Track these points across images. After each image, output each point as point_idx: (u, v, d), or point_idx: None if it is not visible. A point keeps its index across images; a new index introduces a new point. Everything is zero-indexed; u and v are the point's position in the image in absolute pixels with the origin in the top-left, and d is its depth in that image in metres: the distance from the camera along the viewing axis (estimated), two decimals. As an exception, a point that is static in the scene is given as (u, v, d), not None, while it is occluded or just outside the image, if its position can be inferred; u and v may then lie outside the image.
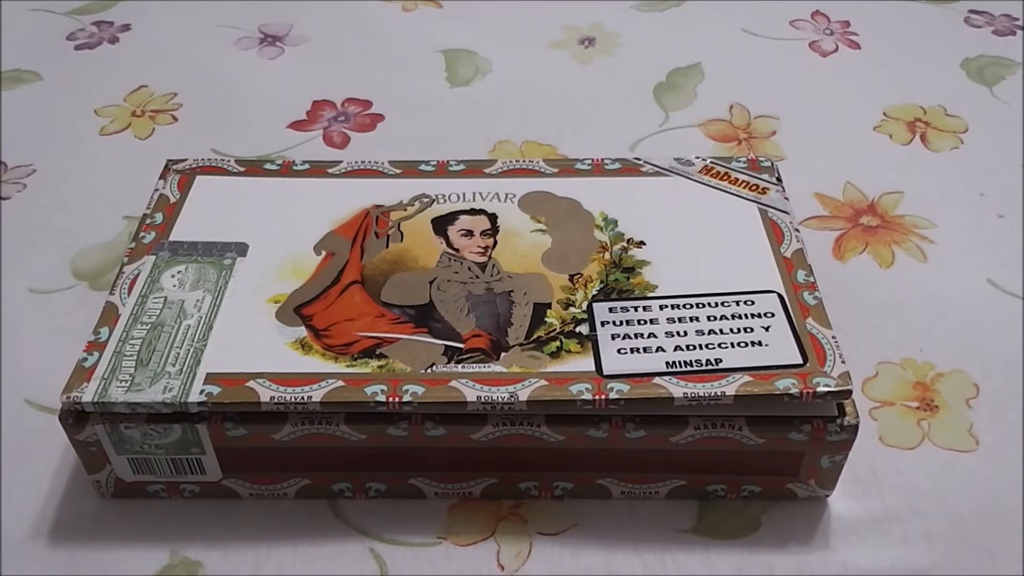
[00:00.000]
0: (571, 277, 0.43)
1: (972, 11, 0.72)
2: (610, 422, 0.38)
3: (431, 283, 0.43)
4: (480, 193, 0.47)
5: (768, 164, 0.49)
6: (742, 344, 0.39)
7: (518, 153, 0.59)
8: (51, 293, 0.51)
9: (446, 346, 0.40)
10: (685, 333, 0.40)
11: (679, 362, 0.39)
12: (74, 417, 0.39)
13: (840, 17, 0.72)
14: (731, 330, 0.40)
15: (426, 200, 0.47)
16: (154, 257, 0.44)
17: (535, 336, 0.40)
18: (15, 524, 0.41)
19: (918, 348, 0.48)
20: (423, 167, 0.49)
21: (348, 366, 0.39)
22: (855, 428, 0.38)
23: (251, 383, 0.38)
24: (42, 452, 0.43)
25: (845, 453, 0.39)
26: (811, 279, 0.42)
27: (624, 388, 0.38)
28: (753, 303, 0.41)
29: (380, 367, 0.39)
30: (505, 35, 0.70)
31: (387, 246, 0.45)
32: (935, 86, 0.65)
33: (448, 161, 0.49)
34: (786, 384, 0.38)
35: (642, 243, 0.45)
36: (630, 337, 0.40)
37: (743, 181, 0.48)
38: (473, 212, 0.46)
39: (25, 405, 0.45)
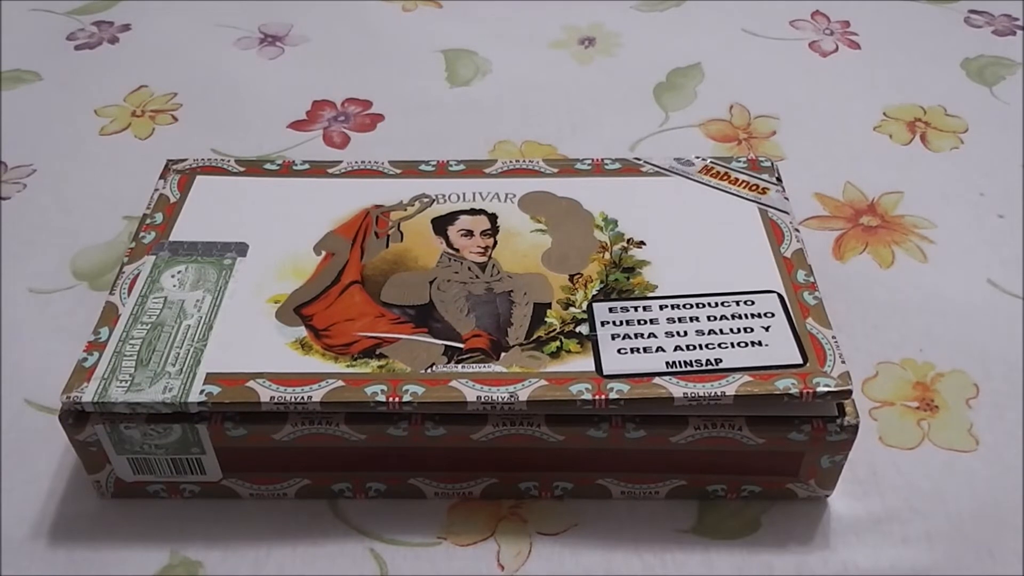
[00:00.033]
0: (571, 277, 0.43)
1: (972, 11, 0.72)
2: (610, 422, 0.38)
3: (431, 283, 0.43)
4: (480, 193, 0.47)
5: (768, 164, 0.49)
6: (742, 344, 0.39)
7: (518, 153, 0.59)
8: (51, 293, 0.51)
9: (446, 346, 0.40)
10: (685, 333, 0.40)
11: (679, 362, 0.39)
12: (74, 417, 0.39)
13: (840, 17, 0.72)
14: (731, 330, 0.40)
15: (426, 200, 0.47)
16: (154, 257, 0.44)
17: (535, 336, 0.40)
18: (15, 524, 0.41)
19: (918, 348, 0.48)
20: (423, 167, 0.49)
21: (348, 366, 0.39)
22: (855, 428, 0.38)
23: (251, 383, 0.38)
24: (42, 452, 0.43)
25: (845, 453, 0.39)
26: (811, 279, 0.42)
27: (624, 388, 0.38)
28: (753, 303, 0.41)
29: (380, 367, 0.39)
30: (505, 35, 0.70)
31: (387, 246, 0.45)
32: (935, 86, 0.65)
33: (448, 161, 0.49)
34: (786, 384, 0.38)
35: (642, 243, 0.45)
36: (630, 337, 0.40)
37: (743, 181, 0.48)
38: (473, 212, 0.46)
39: (25, 405, 0.45)
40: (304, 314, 0.41)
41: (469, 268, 0.43)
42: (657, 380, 0.38)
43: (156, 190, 0.48)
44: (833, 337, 0.40)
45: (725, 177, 0.48)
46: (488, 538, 0.40)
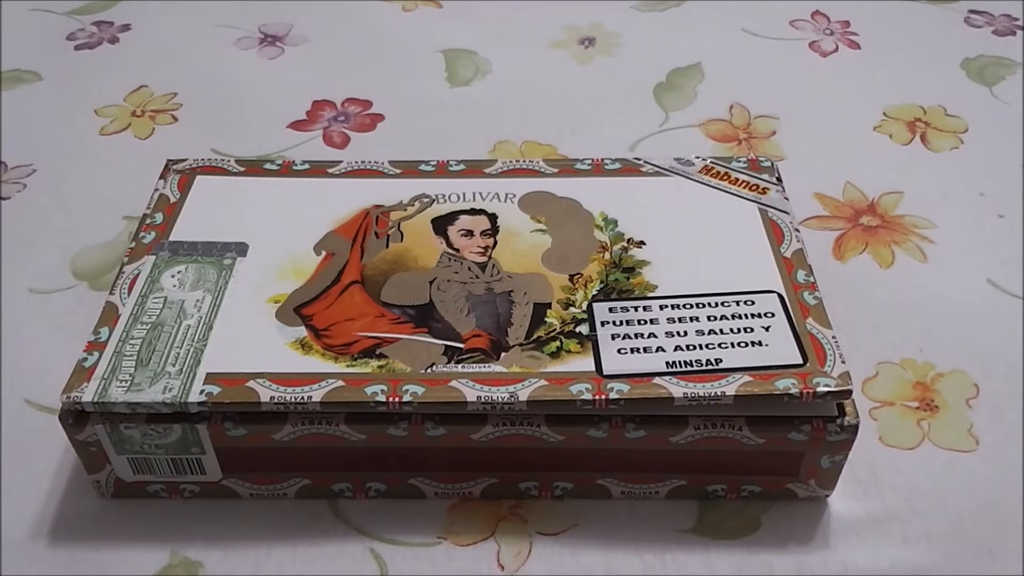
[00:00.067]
0: (571, 277, 0.43)
1: (972, 11, 0.72)
2: (610, 422, 0.38)
3: (431, 283, 0.43)
4: (480, 193, 0.47)
5: (768, 164, 0.49)
6: (742, 344, 0.39)
7: (518, 153, 0.59)
8: (51, 293, 0.51)
9: (446, 346, 0.40)
10: (685, 333, 0.40)
11: (679, 362, 0.39)
12: (74, 417, 0.39)
13: (840, 17, 0.72)
14: (731, 330, 0.40)
15: (426, 200, 0.47)
16: (154, 257, 0.44)
17: (535, 336, 0.40)
18: (15, 524, 0.41)
19: (918, 348, 0.48)
20: (423, 167, 0.49)
21: (348, 366, 0.39)
22: (855, 428, 0.38)
23: (251, 383, 0.38)
24: (42, 452, 0.43)
25: (845, 453, 0.39)
26: (811, 279, 0.42)
27: (624, 388, 0.38)
28: (753, 303, 0.41)
29: (380, 367, 0.39)
30: (505, 35, 0.70)
31: (387, 246, 0.45)
32: (935, 86, 0.65)
33: (448, 161, 0.49)
34: (786, 384, 0.38)
35: (642, 243, 0.45)
36: (630, 337, 0.40)
37: (743, 181, 0.48)
38: (473, 212, 0.46)
39: (25, 405, 0.45)
40: (304, 314, 0.41)
41: (469, 268, 0.43)
42: (657, 380, 0.38)
43: (156, 190, 0.48)
44: (833, 337, 0.40)
45: (725, 177, 0.48)
46: (488, 538, 0.40)
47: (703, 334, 0.40)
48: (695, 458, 0.40)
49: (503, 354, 0.39)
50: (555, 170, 0.49)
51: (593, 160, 0.49)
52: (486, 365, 0.39)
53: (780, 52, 0.68)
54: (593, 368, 0.39)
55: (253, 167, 0.49)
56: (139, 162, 0.59)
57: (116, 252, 0.53)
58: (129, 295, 0.42)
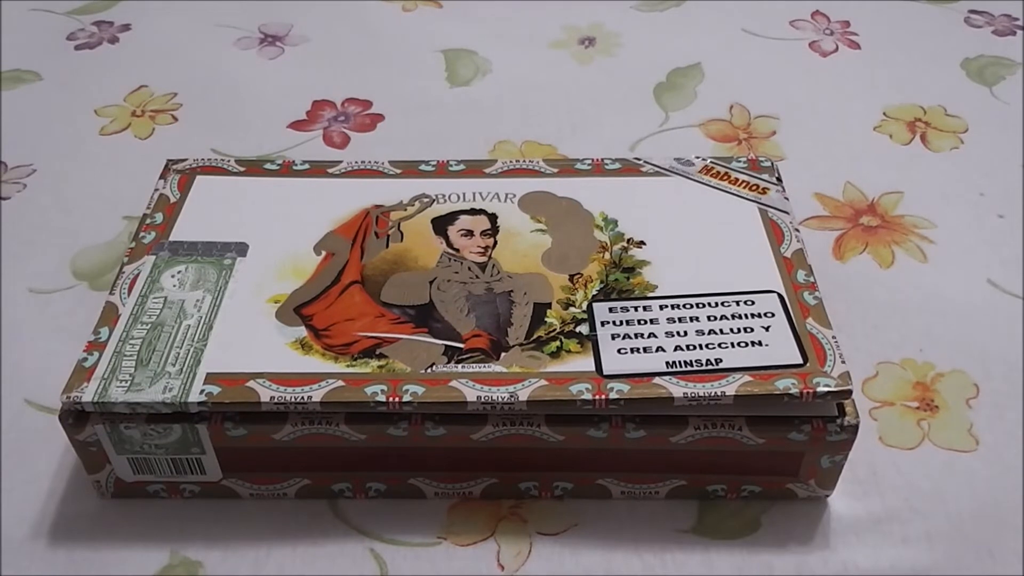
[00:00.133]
0: (571, 277, 0.43)
1: (972, 11, 0.72)
2: (610, 422, 0.38)
3: (431, 283, 0.43)
4: (480, 193, 0.47)
5: (768, 164, 0.49)
6: (742, 344, 0.39)
7: (518, 153, 0.59)
8: (51, 293, 0.51)
9: (446, 346, 0.40)
10: (685, 333, 0.40)
11: (679, 362, 0.39)
12: (74, 417, 0.39)
13: (840, 17, 0.72)
14: (731, 330, 0.40)
15: (426, 200, 0.47)
16: (154, 257, 0.44)
17: (535, 336, 0.40)
18: (15, 524, 0.41)
19: (918, 348, 0.48)
20: (423, 167, 0.49)
21: (348, 366, 0.39)
22: (855, 428, 0.38)
23: (251, 383, 0.38)
24: (42, 452, 0.43)
25: (845, 453, 0.39)
26: (811, 279, 0.42)
27: (624, 388, 0.38)
28: (753, 303, 0.41)
29: (380, 367, 0.39)
30: (505, 35, 0.70)
31: (387, 246, 0.45)
32: (935, 86, 0.65)
33: (448, 161, 0.49)
34: (786, 384, 0.38)
35: (642, 243, 0.45)
36: (630, 337, 0.40)
37: (743, 181, 0.48)
38: (473, 212, 0.46)
39: (25, 405, 0.45)
40: (304, 314, 0.41)
41: (469, 268, 0.43)
42: (657, 380, 0.38)
43: (156, 190, 0.48)
44: (833, 337, 0.40)
45: (725, 177, 0.48)
46: (488, 538, 0.40)
47: (703, 334, 0.40)
48: (695, 458, 0.40)
49: (503, 354, 0.39)
50: (555, 170, 0.49)
51: (593, 160, 0.49)
52: (486, 365, 0.39)
53: (780, 52, 0.68)
54: (593, 368, 0.39)
55: (253, 167, 0.49)
56: (139, 162, 0.59)
57: (116, 252, 0.53)
58: (129, 295, 0.42)
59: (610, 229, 0.45)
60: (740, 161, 0.49)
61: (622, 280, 0.43)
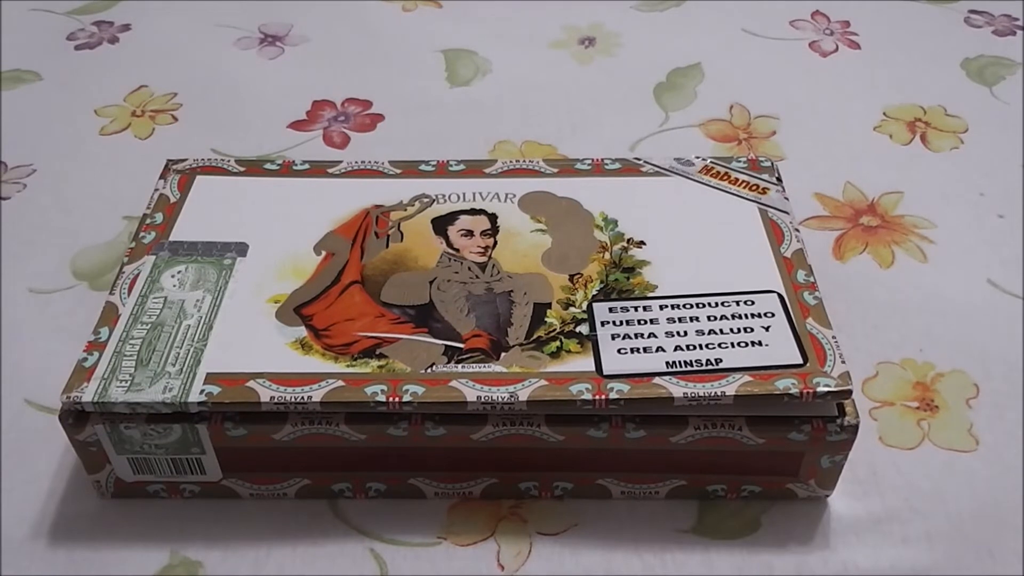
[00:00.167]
0: (571, 277, 0.43)
1: (972, 11, 0.72)
2: (610, 422, 0.38)
3: (431, 283, 0.43)
4: (480, 193, 0.47)
5: (768, 164, 0.49)
6: (742, 344, 0.39)
7: (518, 153, 0.59)
8: (51, 293, 0.51)
9: (446, 346, 0.40)
10: (685, 333, 0.40)
11: (679, 362, 0.39)
12: (74, 417, 0.39)
13: (840, 17, 0.72)
14: (731, 330, 0.40)
15: (426, 200, 0.47)
16: (154, 257, 0.44)
17: (535, 336, 0.40)
18: (15, 524, 0.41)
19: (918, 348, 0.48)
20: (423, 167, 0.49)
21: (348, 366, 0.39)
22: (855, 428, 0.38)
23: (251, 383, 0.38)
24: (42, 452, 0.43)
25: (845, 453, 0.39)
26: (811, 279, 0.42)
27: (624, 388, 0.38)
28: (753, 303, 0.41)
29: (380, 367, 0.39)
30: (505, 35, 0.70)
31: (387, 246, 0.45)
32: (935, 86, 0.65)
33: (448, 161, 0.49)
34: (786, 384, 0.38)
35: (642, 243, 0.45)
36: (630, 337, 0.40)
37: (743, 181, 0.48)
38: (473, 212, 0.46)
39: (25, 405, 0.45)
40: (304, 314, 0.41)
41: (469, 268, 0.43)
42: (657, 380, 0.38)
43: (156, 190, 0.48)
44: (833, 337, 0.40)
45: (725, 177, 0.48)
46: (488, 538, 0.40)
47: (703, 334, 0.40)
48: (695, 458, 0.40)
49: (503, 354, 0.39)
50: (555, 170, 0.49)
51: (593, 160, 0.49)
52: (486, 365, 0.39)
53: (780, 52, 0.68)
54: (593, 368, 0.39)
55: (253, 167, 0.49)
56: (139, 162, 0.59)
57: (116, 252, 0.53)
58: (129, 295, 0.42)
59: (610, 229, 0.45)
60: (740, 161, 0.49)
61: (622, 280, 0.43)
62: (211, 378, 0.38)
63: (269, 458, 0.40)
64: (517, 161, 0.49)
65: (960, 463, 0.43)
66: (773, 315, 0.41)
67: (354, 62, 0.67)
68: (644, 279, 0.43)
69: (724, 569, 0.39)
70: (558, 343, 0.40)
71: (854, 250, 0.53)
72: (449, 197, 0.47)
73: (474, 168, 0.49)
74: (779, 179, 0.48)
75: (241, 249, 0.44)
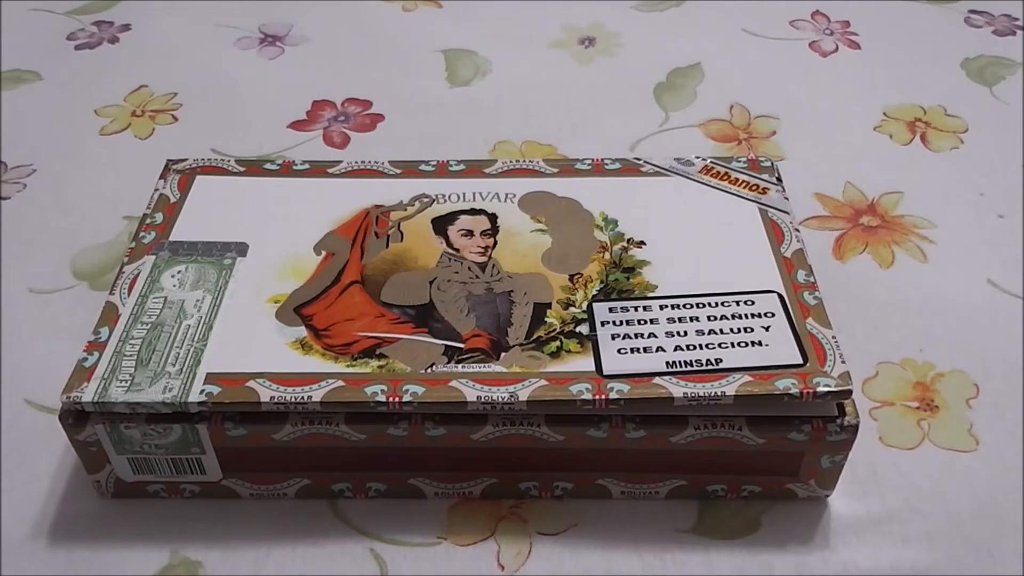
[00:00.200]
0: (571, 277, 0.43)
1: (972, 11, 0.72)
2: (610, 422, 0.38)
3: (431, 283, 0.43)
4: (480, 193, 0.47)
5: (768, 164, 0.49)
6: (742, 344, 0.39)
7: (518, 153, 0.59)
8: (51, 293, 0.51)
9: (446, 346, 0.40)
10: (685, 333, 0.40)
11: (679, 362, 0.39)
12: (74, 417, 0.39)
13: (840, 17, 0.72)
14: (731, 330, 0.40)
15: (426, 200, 0.47)
16: (154, 257, 0.44)
17: (535, 336, 0.40)
18: (15, 524, 0.41)
19: (918, 348, 0.48)
20: (423, 167, 0.49)
21: (348, 366, 0.39)
22: (855, 428, 0.38)
23: (251, 383, 0.38)
24: (42, 452, 0.43)
25: (845, 453, 0.39)
26: (811, 279, 0.42)
27: (624, 388, 0.38)
28: (753, 303, 0.41)
29: (380, 367, 0.39)
30: (505, 35, 0.70)
31: (387, 246, 0.45)
32: (935, 86, 0.65)
33: (448, 161, 0.49)
34: (786, 384, 0.38)
35: (642, 243, 0.45)
36: (630, 337, 0.40)
37: (743, 181, 0.48)
38: (473, 212, 0.46)
39: (25, 405, 0.45)
40: (304, 314, 0.41)
41: (469, 268, 0.43)
42: (657, 380, 0.38)
43: (156, 190, 0.48)
44: (833, 337, 0.40)
45: (725, 177, 0.48)
46: (488, 538, 0.40)
47: (703, 334, 0.40)
48: (695, 458, 0.40)
49: (503, 354, 0.39)
50: (555, 170, 0.49)
51: (593, 160, 0.49)
52: (486, 365, 0.39)
53: (780, 52, 0.68)
54: (593, 368, 0.39)
55: (253, 167, 0.49)
56: (139, 162, 0.59)
57: (116, 252, 0.53)
58: (129, 295, 0.42)
59: (610, 229, 0.45)
60: (740, 161, 0.49)
61: (622, 280, 0.43)
62: (211, 378, 0.38)
63: (269, 458, 0.40)
64: (517, 161, 0.49)
65: (960, 463, 0.43)
66: (773, 315, 0.41)
67: (354, 62, 0.67)
68: (644, 279, 0.43)
69: (724, 569, 0.39)
70: (558, 343, 0.40)
71: (854, 250, 0.53)
72: (449, 197, 0.47)
73: (474, 168, 0.49)
74: (779, 179, 0.48)
75: (241, 249, 0.44)
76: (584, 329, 0.40)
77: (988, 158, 0.59)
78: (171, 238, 0.45)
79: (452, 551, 0.40)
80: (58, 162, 0.59)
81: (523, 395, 0.38)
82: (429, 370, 0.39)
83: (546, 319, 0.41)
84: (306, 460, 0.40)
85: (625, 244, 0.44)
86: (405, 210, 0.47)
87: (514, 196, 0.47)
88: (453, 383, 0.38)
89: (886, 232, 0.54)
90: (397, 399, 0.37)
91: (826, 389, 0.38)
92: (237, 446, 0.39)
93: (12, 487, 0.42)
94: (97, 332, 0.40)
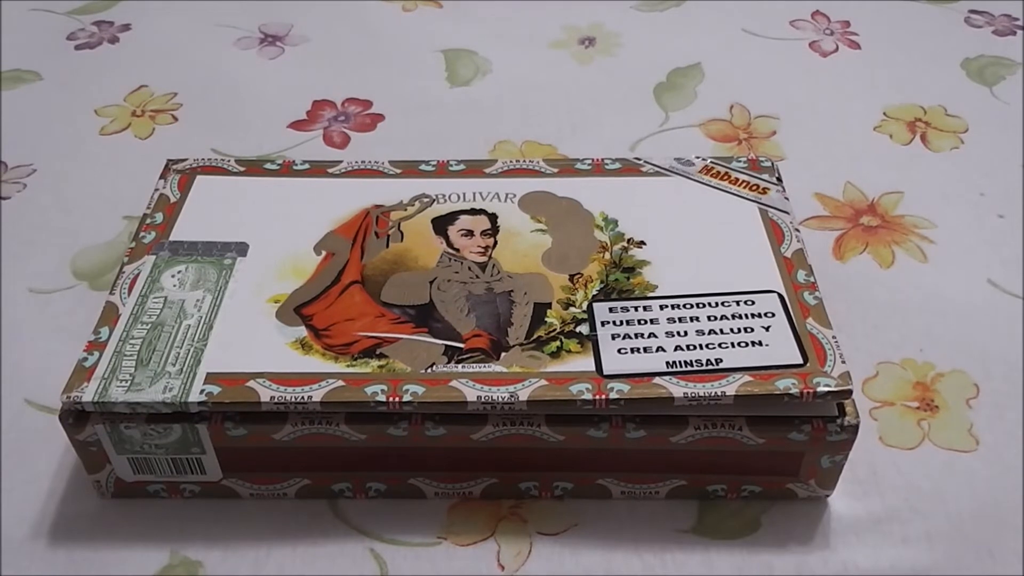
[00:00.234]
0: (571, 277, 0.43)
1: (972, 11, 0.72)
2: (610, 422, 0.38)
3: (431, 283, 0.43)
4: (480, 193, 0.47)
5: (768, 164, 0.49)
6: (742, 344, 0.39)
7: (518, 153, 0.59)
8: (51, 293, 0.51)
9: (446, 346, 0.40)
10: (685, 333, 0.40)
11: (679, 362, 0.39)
12: (74, 417, 0.39)
13: (840, 17, 0.72)
14: (731, 330, 0.40)
15: (426, 200, 0.47)
16: (154, 257, 0.44)
17: (535, 336, 0.40)
18: (15, 524, 0.41)
19: (918, 348, 0.48)
20: (423, 167, 0.49)
21: (348, 366, 0.39)
22: (855, 428, 0.38)
23: (251, 383, 0.38)
24: (42, 452, 0.43)
25: (845, 453, 0.39)
26: (811, 279, 0.42)
27: (624, 388, 0.38)
28: (753, 303, 0.41)
29: (380, 367, 0.39)
30: (505, 35, 0.70)
31: (387, 246, 0.45)
32: (935, 86, 0.65)
33: (448, 161, 0.49)
34: (786, 384, 0.38)
35: (642, 243, 0.45)
36: (630, 337, 0.40)
37: (743, 181, 0.48)
38: (473, 212, 0.46)
39: (25, 405, 0.45)
40: (304, 314, 0.41)
41: (469, 268, 0.43)
42: (657, 380, 0.38)
43: (156, 190, 0.48)
44: (833, 337, 0.40)
45: (725, 177, 0.48)
46: (488, 538, 0.40)
47: (703, 334, 0.40)
48: (695, 458, 0.40)
49: (503, 354, 0.39)
50: (555, 170, 0.49)
51: (593, 160, 0.49)
52: (486, 365, 0.39)
53: (780, 52, 0.68)
54: (593, 368, 0.39)
55: (253, 167, 0.49)
56: (139, 162, 0.59)
57: (116, 252, 0.53)
58: (129, 295, 0.42)
59: (610, 229, 0.45)
60: (740, 161, 0.49)
61: (622, 280, 0.43)
62: (211, 378, 0.38)
63: (269, 458, 0.40)
64: (517, 161, 0.49)
65: (960, 463, 0.43)
66: (773, 315, 0.41)
67: (354, 62, 0.67)
68: (644, 279, 0.43)
69: (724, 569, 0.39)
70: (558, 343, 0.40)
71: (854, 250, 0.53)
72: (449, 197, 0.47)
73: (474, 168, 0.49)
74: (779, 179, 0.48)
75: (241, 249, 0.44)
76: (584, 329, 0.40)
77: (988, 158, 0.59)
78: (171, 238, 0.45)
79: (452, 551, 0.40)
80: (58, 162, 0.59)
81: (523, 395, 0.38)
82: (429, 370, 0.39)
83: (546, 319, 0.41)
84: (306, 460, 0.40)
85: (625, 244, 0.44)
86: (405, 210, 0.47)
87: (514, 196, 0.47)
88: (453, 383, 0.38)
89: (886, 232, 0.54)
90: (397, 399, 0.37)
91: (826, 389, 0.38)
92: (237, 446, 0.39)
93: (12, 487, 0.42)
94: (97, 332, 0.40)
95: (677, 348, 0.39)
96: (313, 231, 0.45)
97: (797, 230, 0.45)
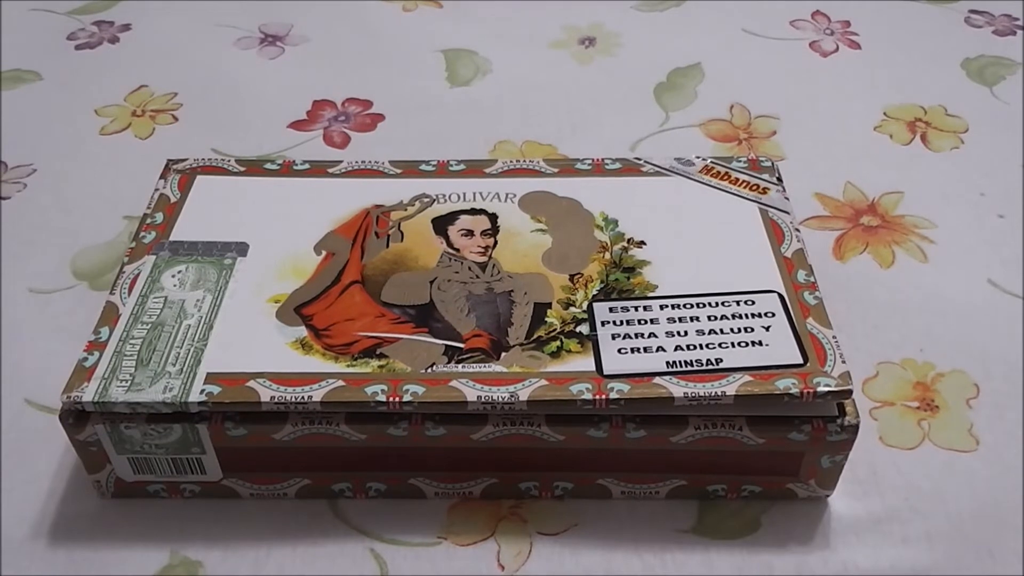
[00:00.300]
0: (571, 277, 0.43)
1: (972, 11, 0.72)
2: (610, 422, 0.38)
3: (431, 283, 0.43)
4: (480, 193, 0.47)
5: (768, 164, 0.49)
6: (742, 344, 0.39)
7: (518, 153, 0.59)
8: (51, 293, 0.51)
9: (446, 346, 0.40)
10: (685, 333, 0.40)
11: (679, 362, 0.39)
12: (74, 417, 0.39)
13: (840, 17, 0.72)
14: (731, 330, 0.40)
15: (426, 200, 0.47)
16: (154, 257, 0.44)
17: (535, 336, 0.40)
18: (15, 524, 0.41)
19: (918, 348, 0.48)
20: (423, 167, 0.49)
21: (348, 366, 0.39)
22: (855, 428, 0.38)
23: (251, 383, 0.38)
24: (42, 452, 0.43)
25: (845, 453, 0.39)
26: (811, 279, 0.42)
27: (624, 388, 0.38)
28: (753, 303, 0.41)
29: (380, 367, 0.39)
30: (505, 35, 0.70)
31: (387, 246, 0.45)
32: (935, 86, 0.65)
33: (448, 161, 0.49)
34: (786, 384, 0.38)
35: (642, 243, 0.45)
36: (630, 337, 0.40)
37: (743, 181, 0.48)
38: (473, 212, 0.46)
39: (25, 405, 0.45)
40: (304, 314, 0.41)
41: (469, 268, 0.43)
42: (657, 380, 0.38)
43: (156, 190, 0.48)
44: (833, 337, 0.40)
45: (725, 177, 0.48)
46: (488, 538, 0.40)
47: (703, 334, 0.40)
48: (695, 458, 0.40)
49: (503, 354, 0.39)
50: (555, 170, 0.49)
51: (593, 160, 0.49)
52: (486, 365, 0.39)
53: (780, 52, 0.68)
54: (593, 368, 0.39)
55: (253, 167, 0.49)
56: (139, 162, 0.59)
57: (116, 252, 0.53)
58: (129, 295, 0.42)
59: (610, 229, 0.45)
60: (740, 161, 0.49)
61: (622, 280, 0.43)
62: (211, 378, 0.38)
63: (269, 458, 0.40)
64: (517, 161, 0.49)
65: (960, 463, 0.43)
66: (773, 315, 0.41)
67: (354, 62, 0.67)
68: (644, 279, 0.43)
69: (724, 569, 0.39)
70: (558, 343, 0.40)
71: (854, 250, 0.53)
72: (449, 197, 0.47)
73: (474, 168, 0.49)
74: (779, 179, 0.48)
75: (241, 249, 0.44)
76: (584, 329, 0.40)
77: (988, 158, 0.59)
78: (171, 238, 0.45)
79: (452, 551, 0.40)
80: (58, 162, 0.59)
81: (523, 395, 0.38)
82: (429, 370, 0.39)
83: (546, 319, 0.41)
84: (306, 460, 0.40)
85: (625, 244, 0.44)
86: (405, 210, 0.47)
87: (514, 196, 0.47)
88: (453, 383, 0.38)
89: (886, 232, 0.54)
90: (397, 399, 0.37)
91: (826, 389, 0.38)
92: (237, 446, 0.39)
93: (12, 487, 0.42)
94: (97, 332, 0.40)
95: (677, 348, 0.39)
96: (313, 231, 0.45)
97: (797, 230, 0.45)
